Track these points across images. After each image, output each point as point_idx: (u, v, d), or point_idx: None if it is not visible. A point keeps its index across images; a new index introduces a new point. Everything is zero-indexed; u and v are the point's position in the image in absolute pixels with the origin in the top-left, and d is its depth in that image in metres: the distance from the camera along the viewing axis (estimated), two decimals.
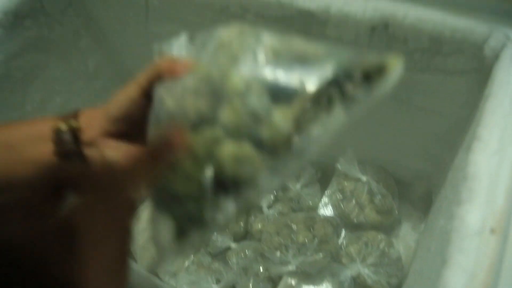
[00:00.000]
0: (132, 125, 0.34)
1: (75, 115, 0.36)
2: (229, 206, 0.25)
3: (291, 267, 0.75)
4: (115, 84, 0.97)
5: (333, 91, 0.24)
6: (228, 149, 0.25)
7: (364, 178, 0.83)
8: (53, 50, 0.80)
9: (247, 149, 0.24)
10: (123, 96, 0.34)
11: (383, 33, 0.49)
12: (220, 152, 0.25)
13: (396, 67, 0.25)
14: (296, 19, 0.54)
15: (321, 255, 0.76)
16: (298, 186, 0.89)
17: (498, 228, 0.27)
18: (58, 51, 0.81)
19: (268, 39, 0.27)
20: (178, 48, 0.33)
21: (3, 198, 0.41)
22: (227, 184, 0.25)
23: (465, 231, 0.27)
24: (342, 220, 0.86)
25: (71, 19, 0.80)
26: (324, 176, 0.92)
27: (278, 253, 0.76)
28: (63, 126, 0.34)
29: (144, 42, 0.81)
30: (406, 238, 0.87)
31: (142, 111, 0.33)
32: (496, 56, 0.43)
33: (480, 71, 0.47)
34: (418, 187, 0.89)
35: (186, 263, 0.85)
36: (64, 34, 0.80)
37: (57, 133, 0.34)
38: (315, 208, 0.90)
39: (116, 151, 0.32)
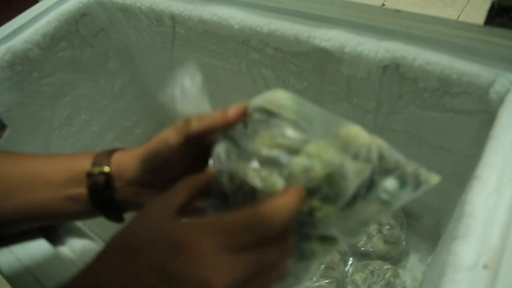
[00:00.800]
0: (159, 171, 0.35)
1: (108, 155, 0.38)
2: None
3: None
4: (137, 104, 1.02)
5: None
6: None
7: None
8: (83, 70, 0.85)
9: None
10: (161, 139, 0.34)
11: (394, 72, 0.52)
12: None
13: (434, 183, 0.30)
14: (313, 54, 0.58)
15: (327, 281, 0.77)
16: None
17: (491, 264, 0.29)
18: (87, 71, 0.86)
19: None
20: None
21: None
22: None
23: (459, 265, 0.29)
24: (350, 248, 0.87)
25: (102, 43, 0.86)
26: None
27: None
28: (96, 171, 0.36)
29: (168, 66, 0.86)
30: (413, 269, 0.87)
31: (177, 158, 0.34)
32: (501, 100, 0.45)
33: (486, 112, 0.50)
34: (427, 219, 0.90)
35: None
36: (94, 56, 0.86)
37: (90, 178, 0.36)
38: None
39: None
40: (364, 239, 0.84)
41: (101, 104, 0.93)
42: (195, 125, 0.32)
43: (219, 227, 0.25)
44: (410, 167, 0.29)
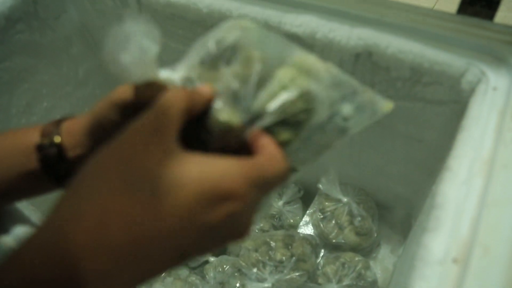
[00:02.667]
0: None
1: (57, 125, 0.34)
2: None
3: (267, 284, 0.75)
4: (103, 91, 0.98)
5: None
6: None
7: (345, 199, 0.84)
8: (43, 54, 0.80)
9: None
10: (106, 103, 0.32)
11: (367, 60, 0.51)
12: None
13: (388, 110, 0.30)
14: None
15: (298, 273, 0.76)
16: (280, 203, 0.89)
17: (460, 258, 0.28)
18: (48, 56, 0.81)
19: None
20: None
21: None
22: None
23: (429, 259, 0.28)
24: (321, 240, 0.87)
25: (64, 25, 0.81)
26: (306, 195, 0.93)
27: (255, 270, 0.76)
28: (46, 141, 0.33)
29: None
30: (384, 261, 0.88)
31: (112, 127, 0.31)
32: (472, 90, 0.45)
33: (457, 103, 0.49)
34: (399, 210, 0.90)
35: (163, 274, 0.85)
36: (56, 39, 0.81)
37: (41, 152, 0.33)
38: (296, 226, 0.90)
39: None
40: (336, 230, 0.84)
41: (64, 91, 0.89)
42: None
43: (256, 170, 0.23)
44: (366, 93, 0.29)
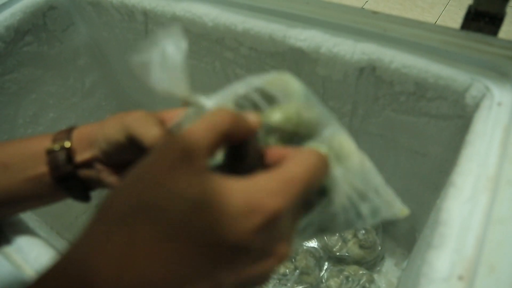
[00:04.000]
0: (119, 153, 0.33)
1: (68, 132, 0.35)
2: None
3: None
4: (109, 102, 0.99)
5: None
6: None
7: None
8: (51, 66, 0.81)
9: None
10: (113, 135, 0.32)
11: (370, 75, 0.51)
12: None
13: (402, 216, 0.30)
14: (288, 55, 0.56)
15: (301, 287, 0.75)
16: None
17: (466, 275, 0.28)
18: (56, 68, 0.82)
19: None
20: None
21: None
22: None
23: (433, 276, 0.28)
24: (325, 253, 0.86)
25: (71, 38, 0.82)
26: None
27: None
28: (56, 147, 0.34)
29: None
30: (388, 274, 0.87)
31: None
32: (476, 105, 0.45)
33: (462, 117, 0.49)
34: (402, 224, 0.90)
35: None
36: (63, 51, 0.82)
37: (51, 155, 0.34)
38: None
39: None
40: (340, 243, 0.83)
41: (70, 102, 0.89)
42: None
43: (285, 183, 0.21)
44: (387, 196, 0.29)
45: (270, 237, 0.21)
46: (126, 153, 0.32)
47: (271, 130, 0.27)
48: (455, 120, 0.51)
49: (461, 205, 0.33)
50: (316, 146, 0.27)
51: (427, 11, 1.79)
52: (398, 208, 0.29)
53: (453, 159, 0.57)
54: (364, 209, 0.27)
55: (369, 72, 0.51)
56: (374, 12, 0.51)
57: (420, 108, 0.52)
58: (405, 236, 0.90)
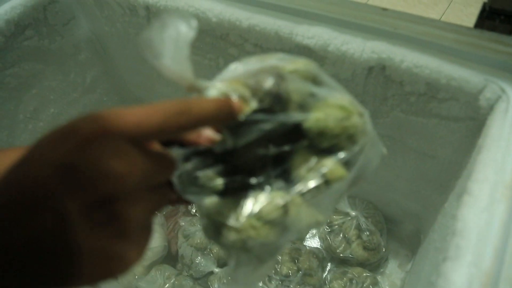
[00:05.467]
0: None
1: None
2: None
3: None
4: (111, 98, 0.97)
5: None
6: None
7: (353, 213, 0.82)
8: (51, 61, 0.80)
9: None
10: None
11: (379, 74, 0.49)
12: None
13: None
14: (294, 52, 0.54)
15: None
16: None
17: None
18: (56, 62, 0.81)
19: None
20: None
21: None
22: None
23: None
24: (328, 254, 0.85)
25: (72, 32, 0.80)
26: None
27: (260, 284, 0.74)
28: None
29: (143, 59, 0.81)
30: (392, 276, 0.85)
31: None
32: (490, 107, 0.43)
33: (474, 120, 0.47)
34: (407, 225, 0.88)
35: (167, 285, 0.83)
36: (64, 46, 0.80)
37: None
38: (302, 239, 0.88)
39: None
40: (343, 244, 0.82)
41: (71, 98, 0.88)
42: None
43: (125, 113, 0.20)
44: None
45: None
46: None
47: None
48: (466, 122, 0.49)
49: (477, 214, 0.31)
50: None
51: (431, 8, 1.77)
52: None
53: (462, 162, 0.56)
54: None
55: (378, 71, 0.49)
56: (384, 9, 0.49)
57: (431, 109, 0.50)
58: (409, 237, 0.89)
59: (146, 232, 0.23)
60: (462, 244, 0.29)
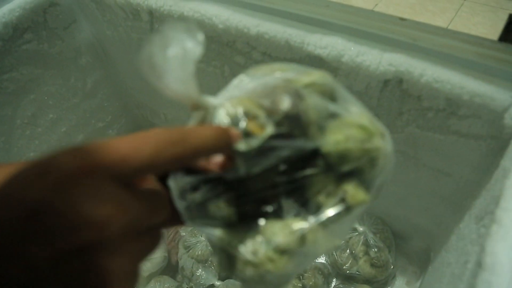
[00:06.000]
0: None
1: None
2: None
3: None
4: (112, 103, 0.95)
5: None
6: None
7: (360, 228, 0.79)
8: (51, 65, 0.77)
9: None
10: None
11: (396, 88, 0.46)
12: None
13: None
14: (305, 62, 0.51)
15: None
16: None
17: None
18: (56, 67, 0.78)
19: None
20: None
21: None
22: None
23: None
24: (334, 269, 0.82)
25: (73, 36, 0.78)
26: None
27: None
28: None
29: None
30: None
31: None
32: None
33: (497, 138, 0.44)
34: (416, 242, 0.85)
35: None
36: (64, 50, 0.78)
37: None
38: None
39: None
40: (350, 261, 0.78)
41: (71, 103, 0.85)
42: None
43: (109, 150, 0.18)
44: None
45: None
46: None
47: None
48: (488, 140, 0.46)
49: (509, 248, 0.28)
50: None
51: (438, 15, 1.74)
52: None
53: (481, 181, 0.53)
54: None
55: (395, 84, 0.46)
56: (402, 19, 0.46)
57: (449, 126, 0.47)
58: (418, 254, 0.86)
59: (130, 281, 0.20)
60: (493, 281, 0.26)
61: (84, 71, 0.84)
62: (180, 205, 0.24)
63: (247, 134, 0.22)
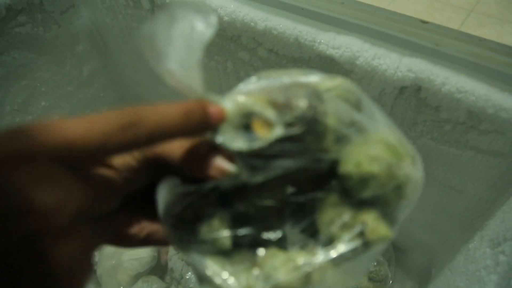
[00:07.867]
0: None
1: None
2: None
3: None
4: (108, 93, 0.91)
5: None
6: None
7: None
8: (45, 50, 0.73)
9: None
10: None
11: (412, 96, 0.43)
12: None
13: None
14: (315, 63, 0.48)
15: None
16: None
17: None
18: (51, 52, 0.75)
19: None
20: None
21: None
22: None
23: None
24: None
25: (71, 21, 0.74)
26: None
27: None
28: None
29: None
30: None
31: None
32: None
33: None
34: (417, 257, 0.82)
35: None
36: (60, 35, 0.74)
37: None
38: None
39: None
40: None
41: (65, 91, 0.82)
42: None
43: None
44: None
45: None
46: None
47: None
48: (509, 158, 0.42)
49: None
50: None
51: (445, 24, 1.70)
52: None
53: (496, 201, 0.49)
54: None
55: (412, 92, 0.42)
56: (424, 22, 0.42)
57: (468, 140, 0.43)
58: (418, 269, 0.82)
59: (80, 274, 0.18)
60: None
61: (80, 58, 0.81)
62: (166, 222, 0.20)
63: (250, 132, 0.19)
